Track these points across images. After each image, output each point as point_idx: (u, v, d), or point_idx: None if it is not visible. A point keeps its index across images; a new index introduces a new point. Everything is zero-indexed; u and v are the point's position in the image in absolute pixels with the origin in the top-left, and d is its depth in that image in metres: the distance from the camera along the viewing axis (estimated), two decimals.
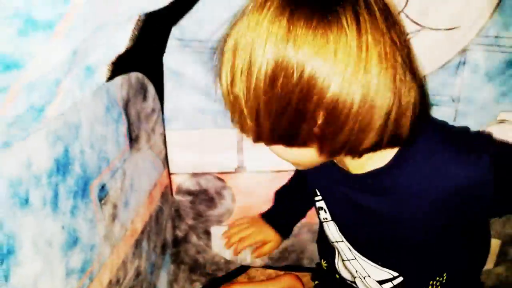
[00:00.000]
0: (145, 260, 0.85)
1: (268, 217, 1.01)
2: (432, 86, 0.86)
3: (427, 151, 0.63)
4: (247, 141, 0.95)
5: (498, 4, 0.78)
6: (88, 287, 0.64)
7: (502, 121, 0.86)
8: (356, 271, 0.79)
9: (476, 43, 0.82)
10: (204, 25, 0.87)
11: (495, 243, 0.99)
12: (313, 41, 0.49)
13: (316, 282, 0.96)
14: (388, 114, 0.53)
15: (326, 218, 0.80)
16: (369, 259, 0.76)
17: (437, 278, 0.74)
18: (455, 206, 0.63)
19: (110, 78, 0.61)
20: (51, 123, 0.55)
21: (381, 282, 0.77)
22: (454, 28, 0.81)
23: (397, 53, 0.52)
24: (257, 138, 0.58)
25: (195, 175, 1.02)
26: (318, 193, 0.81)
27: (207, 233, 1.07)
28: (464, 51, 0.83)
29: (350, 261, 0.80)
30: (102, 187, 0.69)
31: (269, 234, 0.99)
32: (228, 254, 1.07)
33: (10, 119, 0.41)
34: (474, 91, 0.85)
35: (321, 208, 0.80)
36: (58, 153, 0.57)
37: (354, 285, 0.83)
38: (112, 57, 0.59)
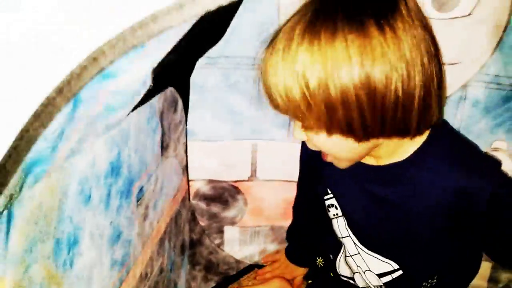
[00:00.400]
0: (167, 258, 0.94)
1: (291, 258, 1.11)
2: None
3: (444, 152, 0.71)
4: (261, 152, 1.06)
5: (498, 44, 0.88)
6: (124, 279, 0.72)
7: (495, 149, 0.96)
8: (357, 266, 0.86)
9: (477, 80, 0.91)
10: (229, 42, 0.95)
11: (486, 266, 1.05)
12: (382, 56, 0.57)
13: (309, 282, 1.05)
14: (423, 96, 0.61)
15: (337, 214, 0.86)
16: (373, 250, 0.82)
17: (429, 280, 0.82)
18: (455, 208, 0.71)
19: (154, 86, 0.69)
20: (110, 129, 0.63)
21: (380, 275, 0.83)
22: (456, 63, 0.90)
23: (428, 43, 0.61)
24: (328, 131, 0.62)
25: (211, 181, 1.11)
26: (329, 191, 0.86)
27: (221, 232, 1.16)
28: (465, 86, 0.92)
29: (353, 256, 0.87)
30: (141, 189, 0.77)
31: (297, 270, 1.11)
32: (238, 254, 1.15)
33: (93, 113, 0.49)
34: (472, 122, 0.94)
35: (332, 205, 0.86)
36: (113, 157, 0.65)
37: (351, 282, 0.91)
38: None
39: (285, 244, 1.16)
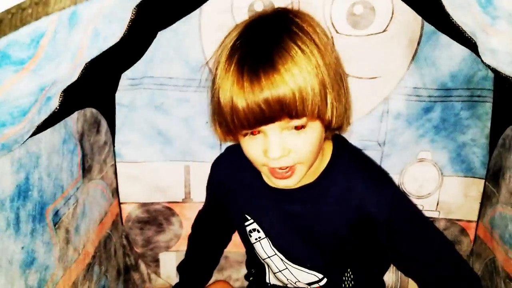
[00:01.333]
0: (96, 283, 0.90)
1: None
2: (360, 132, 0.97)
3: (345, 172, 0.81)
4: (194, 173, 1.05)
5: (413, 57, 0.91)
6: None
7: (421, 160, 0.98)
8: (287, 279, 0.90)
9: (397, 93, 0.94)
10: (153, 64, 0.95)
11: None
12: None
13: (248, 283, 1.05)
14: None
15: (260, 237, 0.89)
16: (299, 265, 0.88)
17: (346, 275, 0.88)
18: (358, 221, 0.80)
19: (65, 108, 0.68)
20: (16, 151, 0.61)
21: (310, 284, 0.89)
22: (376, 77, 0.93)
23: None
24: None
25: (144, 204, 1.08)
26: (249, 218, 0.89)
27: (156, 260, 1.13)
28: (387, 99, 0.94)
29: (282, 271, 0.90)
30: (56, 213, 0.74)
31: None
32: (174, 281, 1.12)
33: None
34: (397, 134, 0.97)
35: (254, 229, 0.89)
36: (20, 180, 0.63)
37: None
38: (65, 85, 0.65)
39: (221, 269, 1.14)
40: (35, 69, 0.48)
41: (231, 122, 0.69)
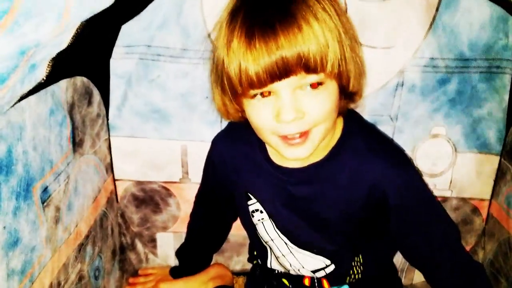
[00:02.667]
0: (88, 265, 0.85)
1: (175, 273, 1.04)
2: (372, 106, 0.91)
3: (358, 150, 0.73)
4: (191, 154, 0.99)
5: (431, 26, 0.85)
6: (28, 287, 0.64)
7: (435, 135, 0.93)
8: (291, 264, 0.84)
9: (413, 65, 0.87)
10: (150, 31, 0.88)
11: None
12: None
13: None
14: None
15: (262, 218, 0.83)
16: (304, 249, 0.81)
17: (356, 259, 0.82)
18: (370, 201, 0.74)
19: (53, 76, 0.61)
20: None
21: (314, 271, 0.83)
22: (390, 47, 0.86)
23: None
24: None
25: (139, 182, 1.03)
26: (252, 197, 0.83)
27: (153, 240, 1.08)
28: (402, 72, 0.88)
29: (285, 256, 0.84)
30: (45, 189, 0.68)
31: (174, 286, 1.02)
32: (173, 262, 1.08)
33: None
34: (410, 108, 0.91)
35: (256, 210, 0.83)
36: (1, 153, 0.57)
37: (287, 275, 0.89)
38: (53, 53, 0.59)
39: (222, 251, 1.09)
40: (11, 28, 0.42)
41: (239, 81, 0.63)
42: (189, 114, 0.96)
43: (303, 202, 0.77)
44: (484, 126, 0.91)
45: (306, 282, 0.86)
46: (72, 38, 0.55)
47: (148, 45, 0.90)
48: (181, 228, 1.06)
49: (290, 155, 0.69)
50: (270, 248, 0.87)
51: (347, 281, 0.84)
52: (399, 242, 0.80)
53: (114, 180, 1.01)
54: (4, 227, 0.59)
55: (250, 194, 0.83)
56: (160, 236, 1.08)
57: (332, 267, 0.82)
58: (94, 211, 0.88)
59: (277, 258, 0.86)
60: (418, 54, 0.87)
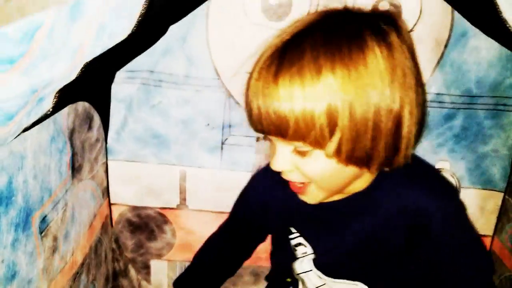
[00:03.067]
0: None
1: None
2: None
3: (402, 174, 0.67)
4: (190, 180, 0.97)
5: (438, 62, 0.84)
6: None
7: (439, 170, 0.92)
8: None
9: None
10: (154, 56, 0.87)
11: None
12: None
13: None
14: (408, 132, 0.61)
15: (306, 252, 0.80)
16: (340, 278, 0.78)
17: None
18: (414, 228, 0.69)
19: (57, 105, 0.59)
20: None
21: None
22: None
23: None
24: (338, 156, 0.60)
25: (135, 208, 1.00)
26: (294, 231, 0.80)
27: (147, 267, 1.05)
28: None
29: (319, 287, 0.81)
30: (43, 219, 0.66)
31: None
32: None
33: None
34: None
35: (299, 244, 0.80)
36: (2, 184, 0.55)
37: None
38: (60, 86, 0.57)
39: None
40: (27, 69, 0.40)
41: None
42: (189, 140, 0.94)
43: (346, 235, 0.75)
44: (488, 163, 0.90)
45: None
46: (80, 71, 0.54)
47: (150, 71, 0.88)
48: (175, 257, 1.04)
49: (303, 199, 0.69)
50: (302, 280, 0.83)
51: None
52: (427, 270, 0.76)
53: (110, 204, 0.99)
54: (2, 261, 0.56)
55: (293, 228, 0.80)
56: (154, 264, 1.05)
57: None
58: (90, 238, 0.86)
59: None
60: (425, 89, 0.86)
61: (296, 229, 0.80)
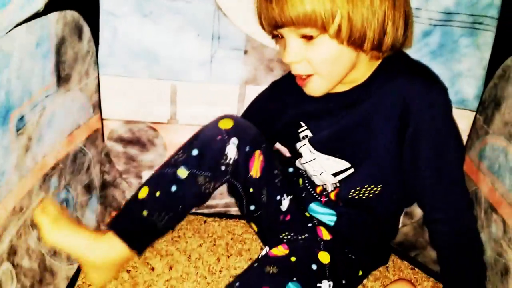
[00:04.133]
0: (53, 195, 0.86)
1: None
2: None
3: (396, 67, 0.80)
4: (181, 94, 1.01)
5: None
6: None
7: None
8: (314, 169, 0.91)
9: None
10: None
11: None
12: None
13: None
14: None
15: (307, 136, 0.92)
16: (328, 154, 0.88)
17: (373, 187, 0.87)
18: (403, 116, 0.78)
19: (47, 7, 0.62)
20: None
21: (335, 174, 0.89)
22: None
23: None
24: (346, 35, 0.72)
25: (128, 122, 1.05)
26: (303, 124, 0.92)
27: (139, 177, 1.11)
28: None
29: (309, 162, 0.92)
30: (21, 118, 0.70)
31: None
32: None
33: None
34: None
35: (306, 136, 0.92)
36: None
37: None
38: None
39: None
40: None
41: (260, 23, 0.79)
42: (180, 54, 0.98)
43: (344, 122, 0.85)
44: (463, 82, 0.93)
45: (318, 189, 0.94)
46: None
47: None
48: None
49: (306, 91, 0.81)
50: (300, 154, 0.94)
51: (350, 195, 0.88)
52: (408, 165, 0.81)
53: (102, 119, 1.04)
54: None
55: (302, 122, 0.92)
56: (146, 175, 1.11)
57: (351, 170, 0.87)
58: (67, 145, 0.89)
59: (301, 164, 0.95)
60: None
61: (305, 123, 0.92)
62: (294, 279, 0.75)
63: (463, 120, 0.95)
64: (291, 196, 0.93)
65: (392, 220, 0.96)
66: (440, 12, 0.88)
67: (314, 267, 0.80)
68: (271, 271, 0.77)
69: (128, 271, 0.99)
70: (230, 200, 1.12)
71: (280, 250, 0.82)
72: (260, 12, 0.77)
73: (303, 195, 0.96)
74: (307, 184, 0.96)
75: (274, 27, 0.75)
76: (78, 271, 0.95)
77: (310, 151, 0.90)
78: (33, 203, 0.78)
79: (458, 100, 0.94)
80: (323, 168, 0.90)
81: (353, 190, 0.88)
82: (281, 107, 0.95)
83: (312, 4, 0.70)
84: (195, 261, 1.03)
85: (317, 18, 0.70)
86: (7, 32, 0.58)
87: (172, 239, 1.08)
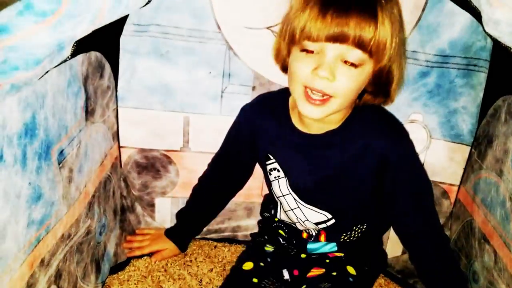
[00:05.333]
0: (96, 222, 0.95)
1: (168, 233, 1.15)
2: None
3: (367, 119, 0.88)
4: (192, 125, 1.08)
5: (416, 23, 0.93)
6: (43, 237, 0.73)
7: (412, 121, 1.02)
8: (297, 217, 0.98)
9: None
10: (159, 12, 0.97)
11: None
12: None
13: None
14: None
15: (279, 176, 0.97)
16: (310, 204, 0.95)
17: (359, 226, 0.98)
18: (376, 166, 0.88)
19: (74, 53, 0.70)
20: (23, 91, 0.64)
21: (317, 224, 0.97)
22: None
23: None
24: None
25: (142, 150, 1.12)
26: (271, 157, 0.96)
27: (152, 205, 1.18)
28: None
29: (293, 210, 0.98)
30: (61, 152, 0.77)
31: (166, 245, 1.14)
32: (168, 225, 1.18)
33: None
34: None
35: (274, 169, 0.97)
36: (27, 118, 0.66)
37: (292, 225, 1.03)
38: (79, 37, 0.68)
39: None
40: (55, 25, 0.50)
41: (300, 32, 0.76)
42: (192, 89, 1.05)
43: (318, 165, 0.91)
44: (458, 118, 1.00)
45: (304, 235, 1.01)
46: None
47: (157, 24, 0.98)
48: (178, 194, 1.16)
49: (305, 111, 0.81)
50: (280, 203, 1.00)
51: (342, 239, 0.99)
52: (389, 205, 0.92)
53: (119, 147, 1.11)
54: (30, 183, 0.68)
55: (270, 155, 0.96)
56: (158, 201, 1.18)
57: (333, 221, 0.96)
58: (100, 174, 0.97)
59: (285, 211, 1.00)
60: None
61: (273, 156, 0.96)
62: None
63: (459, 153, 1.02)
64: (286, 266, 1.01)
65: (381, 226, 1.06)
66: (436, 55, 0.95)
67: (350, 279, 0.94)
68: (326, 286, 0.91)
69: None
70: (237, 223, 1.20)
71: (317, 271, 0.97)
72: (306, 22, 0.75)
73: (294, 242, 1.03)
74: (292, 233, 1.03)
75: (325, 39, 0.74)
76: None
77: (295, 200, 0.97)
78: (80, 231, 0.87)
79: (454, 135, 1.01)
80: (305, 217, 0.97)
81: (344, 235, 0.98)
82: (252, 136, 0.99)
83: (384, 32, 0.74)
84: (205, 285, 1.08)
85: (379, 47, 0.75)
86: (39, 78, 0.65)
87: (184, 263, 1.14)
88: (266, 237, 1.06)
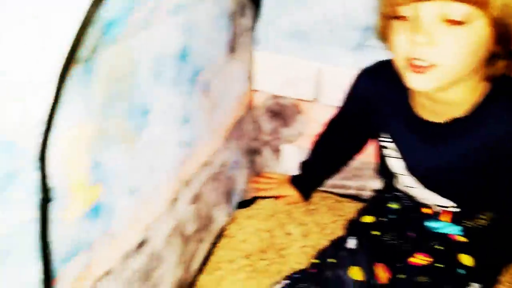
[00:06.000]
0: (230, 156, 1.00)
1: (294, 181, 1.12)
2: None
3: (501, 116, 0.74)
4: (325, 77, 1.07)
5: None
6: (190, 158, 0.78)
7: None
8: (415, 197, 0.90)
9: None
10: None
11: None
12: None
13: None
14: None
15: (394, 155, 0.87)
16: (431, 190, 0.86)
17: (487, 214, 0.86)
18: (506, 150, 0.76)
19: None
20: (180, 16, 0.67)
21: (439, 206, 0.88)
22: None
23: None
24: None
25: (275, 96, 1.14)
26: (387, 135, 0.87)
27: (278, 150, 1.20)
28: None
29: (411, 188, 0.89)
30: (206, 81, 0.81)
31: (290, 192, 1.12)
32: (293, 173, 1.19)
33: None
34: None
35: (388, 147, 0.88)
36: (183, 43, 0.70)
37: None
38: None
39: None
40: None
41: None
42: (330, 37, 1.03)
43: (442, 156, 0.80)
44: None
45: (424, 210, 0.91)
46: None
47: None
48: (305, 144, 1.16)
49: (414, 84, 0.70)
50: (396, 177, 0.91)
51: (467, 224, 0.87)
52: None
53: (252, 90, 1.13)
54: (181, 105, 0.72)
55: (385, 132, 0.87)
56: (285, 148, 1.20)
57: (456, 209, 0.86)
58: (236, 112, 1.01)
59: (403, 185, 0.91)
60: None
61: (388, 134, 0.87)
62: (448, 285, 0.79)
63: None
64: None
65: None
66: None
67: (461, 271, 0.81)
68: (424, 281, 0.79)
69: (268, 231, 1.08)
70: (363, 183, 1.18)
71: (421, 259, 0.83)
72: None
73: (411, 215, 0.92)
74: (411, 206, 0.93)
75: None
76: None
77: (413, 180, 0.87)
78: (217, 160, 0.92)
79: None
80: (424, 198, 0.88)
81: (468, 221, 0.87)
82: (365, 102, 0.89)
83: None
84: (328, 235, 1.07)
85: None
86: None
87: (308, 210, 1.15)
88: (390, 194, 0.99)
